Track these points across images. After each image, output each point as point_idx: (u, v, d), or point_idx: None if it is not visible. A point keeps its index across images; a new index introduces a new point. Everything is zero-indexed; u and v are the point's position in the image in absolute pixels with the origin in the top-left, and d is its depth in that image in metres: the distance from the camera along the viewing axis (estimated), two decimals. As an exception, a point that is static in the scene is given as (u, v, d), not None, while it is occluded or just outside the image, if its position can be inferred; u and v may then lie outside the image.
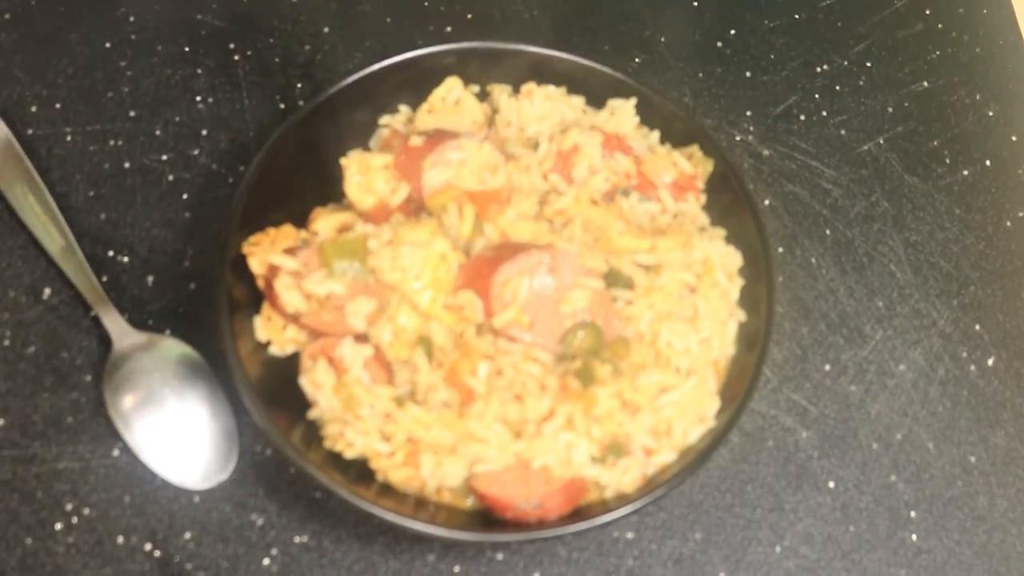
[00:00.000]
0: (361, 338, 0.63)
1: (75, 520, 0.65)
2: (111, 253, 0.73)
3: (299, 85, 0.81)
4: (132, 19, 0.83)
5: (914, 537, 0.69)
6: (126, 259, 0.73)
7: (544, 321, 0.63)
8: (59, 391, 0.68)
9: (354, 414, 0.61)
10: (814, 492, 0.70)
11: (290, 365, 0.65)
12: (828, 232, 0.80)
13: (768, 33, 0.89)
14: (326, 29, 0.84)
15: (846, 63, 0.88)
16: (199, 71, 0.81)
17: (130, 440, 0.65)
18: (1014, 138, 0.86)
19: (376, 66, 0.70)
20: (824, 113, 0.85)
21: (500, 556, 0.66)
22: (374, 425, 0.61)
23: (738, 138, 0.83)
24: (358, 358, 0.62)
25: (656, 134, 0.73)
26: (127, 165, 0.76)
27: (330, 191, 0.70)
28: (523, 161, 0.69)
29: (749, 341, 0.66)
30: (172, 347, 0.67)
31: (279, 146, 0.67)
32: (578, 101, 0.74)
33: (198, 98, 0.80)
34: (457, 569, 0.65)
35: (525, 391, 0.61)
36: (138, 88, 0.80)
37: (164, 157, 0.77)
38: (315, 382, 0.63)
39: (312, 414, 0.63)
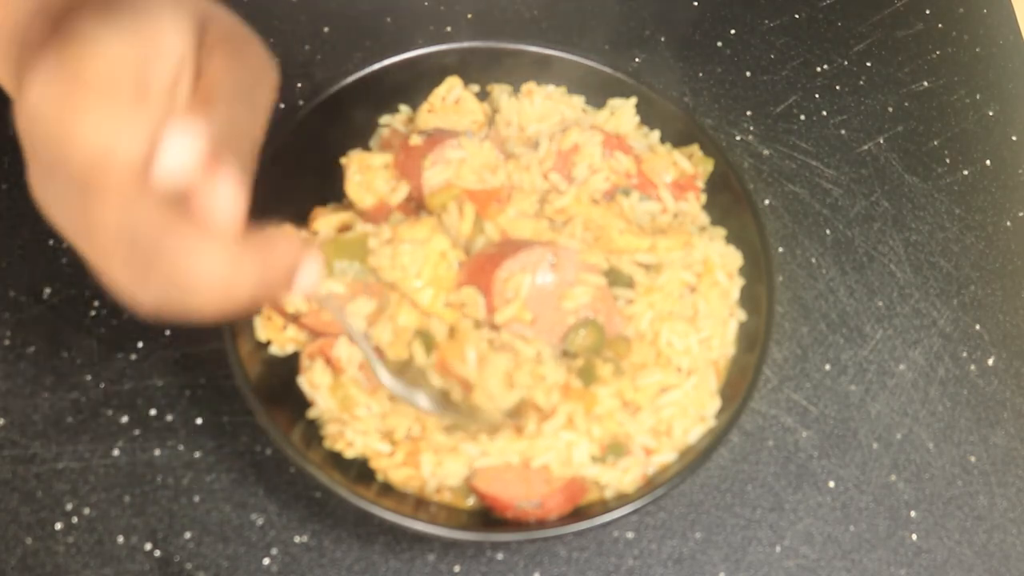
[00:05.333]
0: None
1: (75, 520, 0.65)
2: (111, 253, 0.73)
3: (299, 85, 0.81)
4: (132, 19, 0.83)
5: (914, 537, 0.69)
6: (126, 259, 0.73)
7: (546, 317, 0.63)
8: (59, 391, 0.68)
9: (351, 414, 0.61)
10: (814, 492, 0.70)
11: (290, 365, 0.65)
12: (828, 232, 0.80)
13: (768, 33, 0.89)
14: (326, 29, 0.84)
15: (846, 63, 0.88)
16: (199, 71, 0.81)
17: None
18: (1014, 138, 0.86)
19: (376, 66, 0.70)
20: (824, 113, 0.85)
21: (500, 556, 0.66)
22: (372, 425, 0.61)
23: (738, 138, 0.83)
24: (355, 358, 0.62)
25: (656, 134, 0.73)
26: (127, 165, 0.76)
27: (330, 191, 0.70)
28: (523, 160, 0.69)
29: (749, 341, 0.66)
30: None
31: (279, 146, 0.67)
32: (578, 101, 0.74)
33: (198, 98, 0.80)
34: (457, 569, 0.65)
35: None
36: (138, 88, 0.80)
37: (164, 157, 0.77)
38: (312, 382, 0.63)
39: (312, 413, 0.63)
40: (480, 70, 0.73)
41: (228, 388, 0.68)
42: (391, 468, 0.61)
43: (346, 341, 0.62)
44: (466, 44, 0.72)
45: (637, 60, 0.86)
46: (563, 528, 0.59)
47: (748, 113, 0.84)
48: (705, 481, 0.69)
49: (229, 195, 0.37)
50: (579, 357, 0.63)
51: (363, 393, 0.61)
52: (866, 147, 0.84)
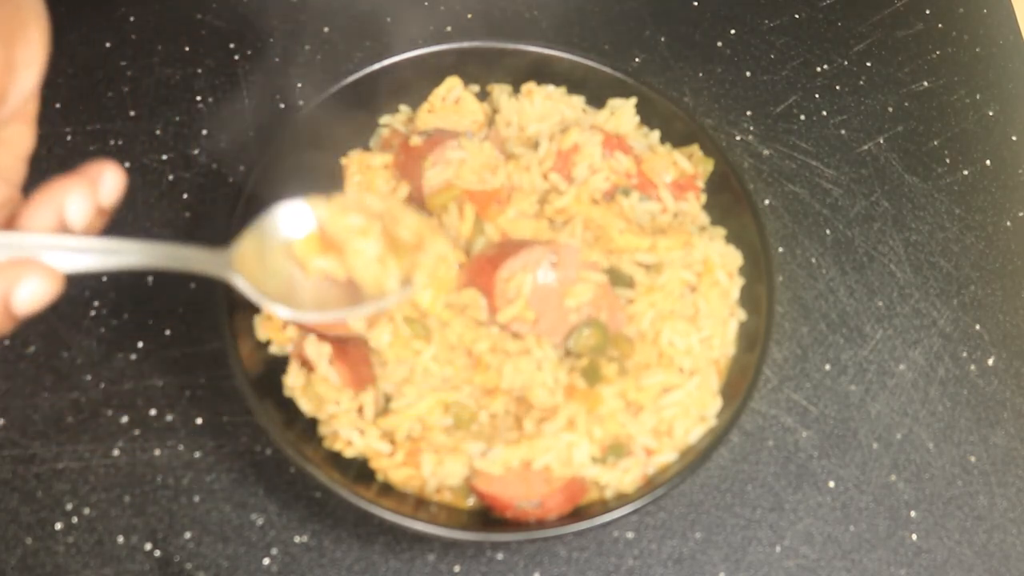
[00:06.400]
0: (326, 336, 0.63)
1: (75, 520, 0.65)
2: (111, 253, 0.73)
3: (299, 85, 0.81)
4: (132, 19, 0.83)
5: (914, 537, 0.69)
6: (126, 259, 0.73)
7: (549, 316, 0.63)
8: (59, 391, 0.68)
9: (326, 413, 0.62)
10: (814, 492, 0.70)
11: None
12: (828, 232, 0.80)
13: (768, 33, 0.89)
14: (326, 29, 0.84)
15: (846, 63, 0.88)
16: (199, 71, 0.81)
17: None
18: (1014, 138, 0.86)
19: (376, 66, 0.70)
20: (824, 113, 0.85)
21: (500, 556, 0.66)
22: (348, 421, 0.61)
23: (738, 138, 0.83)
24: (324, 353, 0.62)
25: (656, 133, 0.73)
26: (127, 165, 0.76)
27: (330, 191, 0.69)
28: (523, 160, 0.69)
29: (749, 340, 0.66)
30: None
31: (279, 146, 0.67)
32: (578, 101, 0.74)
33: (198, 98, 0.80)
34: (457, 569, 0.65)
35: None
36: (138, 88, 0.80)
37: (164, 157, 0.77)
38: (290, 385, 0.63)
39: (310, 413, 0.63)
40: (480, 70, 0.73)
41: (228, 388, 0.68)
42: (391, 468, 0.61)
43: (313, 339, 0.62)
44: (466, 44, 0.72)
45: (637, 60, 0.86)
46: (563, 528, 0.59)
47: (748, 113, 0.84)
48: (705, 481, 0.69)
49: None
50: (583, 357, 0.63)
51: (332, 389, 0.61)
52: (866, 147, 0.84)
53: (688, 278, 0.66)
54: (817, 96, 0.86)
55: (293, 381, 0.63)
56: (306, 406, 0.62)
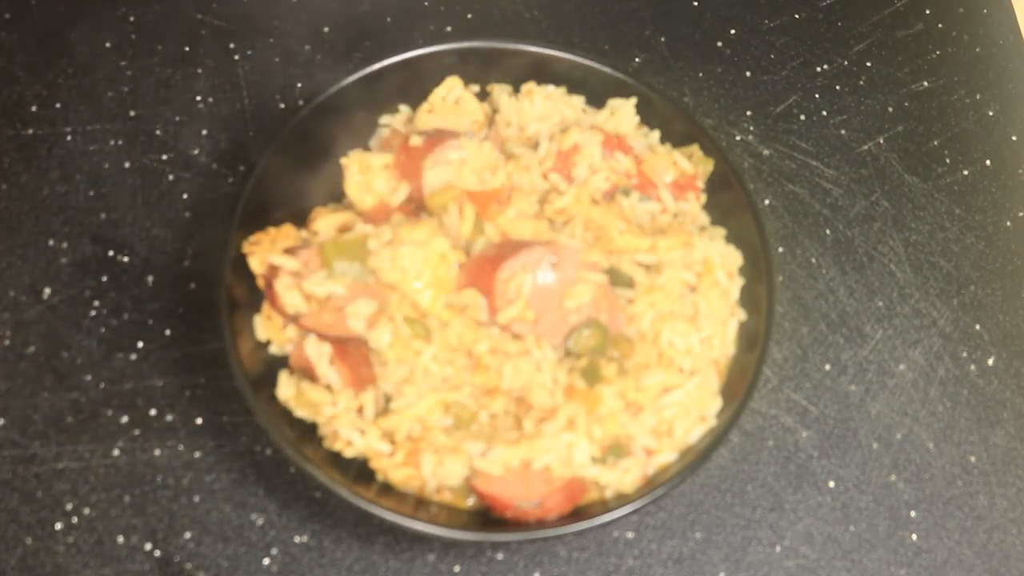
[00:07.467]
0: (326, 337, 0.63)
1: (75, 520, 0.65)
2: (111, 253, 0.73)
3: (299, 85, 0.81)
4: (132, 19, 0.83)
5: (914, 537, 0.69)
6: (126, 259, 0.73)
7: (548, 317, 0.63)
8: (59, 391, 0.68)
9: (323, 416, 0.62)
10: (814, 492, 0.70)
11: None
12: (828, 232, 0.80)
13: (768, 33, 0.89)
14: (326, 29, 0.84)
15: (846, 63, 0.88)
16: (199, 71, 0.81)
17: None
18: (1014, 138, 0.86)
19: (376, 66, 0.71)
20: (824, 113, 0.85)
21: (500, 556, 0.66)
22: (347, 421, 0.61)
23: (738, 138, 0.83)
24: (323, 356, 0.62)
25: (656, 134, 0.73)
26: (127, 165, 0.76)
27: (330, 191, 0.70)
28: (523, 160, 0.69)
29: (749, 340, 0.66)
30: None
31: (279, 146, 0.67)
32: (578, 101, 0.74)
33: (198, 98, 0.80)
34: (457, 569, 0.65)
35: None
36: (138, 88, 0.80)
37: (164, 157, 0.77)
38: (282, 397, 0.63)
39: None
40: (480, 70, 0.73)
41: (228, 388, 0.68)
42: (391, 468, 0.61)
43: (313, 339, 0.62)
44: (466, 44, 0.72)
45: (637, 60, 0.86)
46: (563, 528, 0.59)
47: (748, 113, 0.84)
48: (705, 481, 0.70)
49: None
50: (582, 357, 0.63)
51: (325, 395, 0.61)
52: (866, 147, 0.84)
53: (688, 278, 0.66)
54: (817, 96, 0.86)
55: (284, 392, 0.62)
56: (301, 413, 0.62)
